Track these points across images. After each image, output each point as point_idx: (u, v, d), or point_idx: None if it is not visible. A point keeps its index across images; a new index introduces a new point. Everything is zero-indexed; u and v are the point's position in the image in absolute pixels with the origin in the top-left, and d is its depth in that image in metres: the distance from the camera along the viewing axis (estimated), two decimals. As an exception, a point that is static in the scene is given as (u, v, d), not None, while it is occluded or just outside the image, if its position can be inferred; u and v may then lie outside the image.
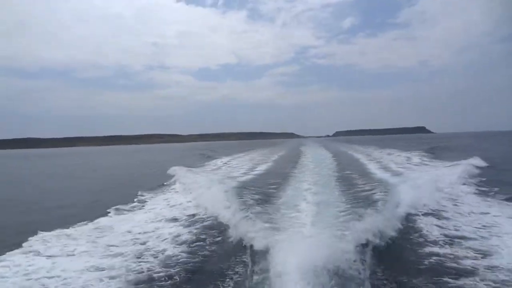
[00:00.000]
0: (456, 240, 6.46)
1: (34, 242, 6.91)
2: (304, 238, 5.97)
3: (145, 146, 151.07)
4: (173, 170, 19.41)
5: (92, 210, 10.03)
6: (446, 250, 5.98)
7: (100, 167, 33.98)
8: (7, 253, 6.24)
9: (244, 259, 5.74)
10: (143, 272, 5.45)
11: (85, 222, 8.40)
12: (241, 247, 6.27)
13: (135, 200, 11.46)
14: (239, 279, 5.15)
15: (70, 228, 7.94)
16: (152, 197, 12.14)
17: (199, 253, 6.29)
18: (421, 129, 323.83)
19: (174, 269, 5.54)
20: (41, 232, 7.44)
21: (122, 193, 13.24)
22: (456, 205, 9.12)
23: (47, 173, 28.18)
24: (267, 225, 6.86)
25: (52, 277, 5.29)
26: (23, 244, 6.72)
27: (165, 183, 15.46)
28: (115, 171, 28.36)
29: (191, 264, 5.79)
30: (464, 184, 12.13)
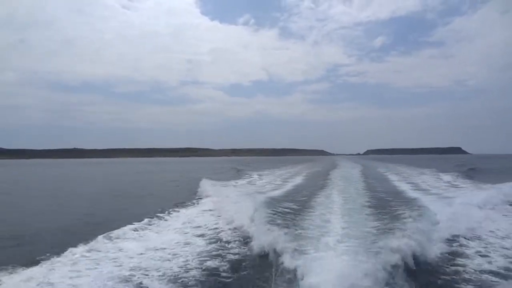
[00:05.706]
0: (498, 271, 5.86)
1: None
2: (334, 255, 5.80)
3: (179, 159, 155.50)
4: (203, 183, 19.61)
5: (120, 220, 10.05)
6: (485, 281, 5.49)
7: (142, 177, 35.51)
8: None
9: (270, 276, 5.62)
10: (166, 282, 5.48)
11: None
12: (268, 263, 6.18)
13: (163, 212, 11.38)
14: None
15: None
16: (180, 209, 12.16)
17: (224, 268, 6.17)
18: (457, 150, 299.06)
19: (197, 284, 5.45)
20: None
21: (150, 205, 13.31)
22: (495, 230, 8.38)
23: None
24: (295, 241, 6.75)
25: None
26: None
27: (193, 196, 15.67)
28: (150, 181, 29.47)
29: (215, 279, 5.67)
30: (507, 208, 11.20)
